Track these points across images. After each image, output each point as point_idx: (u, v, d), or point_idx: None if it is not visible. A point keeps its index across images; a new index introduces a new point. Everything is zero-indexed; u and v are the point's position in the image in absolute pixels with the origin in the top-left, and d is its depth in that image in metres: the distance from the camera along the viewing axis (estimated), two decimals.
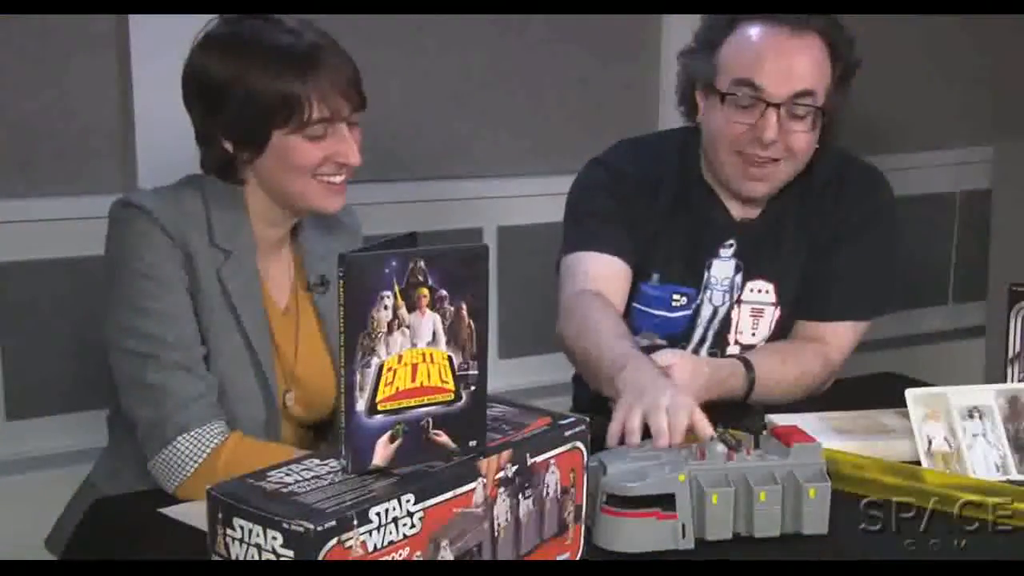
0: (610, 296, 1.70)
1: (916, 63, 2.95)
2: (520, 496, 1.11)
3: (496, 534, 1.09)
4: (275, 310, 1.53)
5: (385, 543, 0.99)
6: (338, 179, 1.47)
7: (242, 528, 0.97)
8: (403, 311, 1.02)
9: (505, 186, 2.55)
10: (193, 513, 1.26)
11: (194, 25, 1.48)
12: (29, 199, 2.12)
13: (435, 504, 1.03)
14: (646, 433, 1.36)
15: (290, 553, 0.95)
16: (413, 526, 1.01)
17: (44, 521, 1.63)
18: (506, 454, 1.09)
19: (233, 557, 0.98)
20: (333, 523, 0.95)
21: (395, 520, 1.00)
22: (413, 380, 1.04)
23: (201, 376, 1.42)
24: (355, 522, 0.97)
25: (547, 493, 1.14)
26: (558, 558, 1.17)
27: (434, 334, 1.04)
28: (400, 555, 1.00)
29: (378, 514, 0.98)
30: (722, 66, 1.67)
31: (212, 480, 1.06)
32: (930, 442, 1.47)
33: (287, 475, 1.03)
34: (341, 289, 1.00)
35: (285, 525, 0.95)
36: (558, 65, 2.57)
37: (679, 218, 1.76)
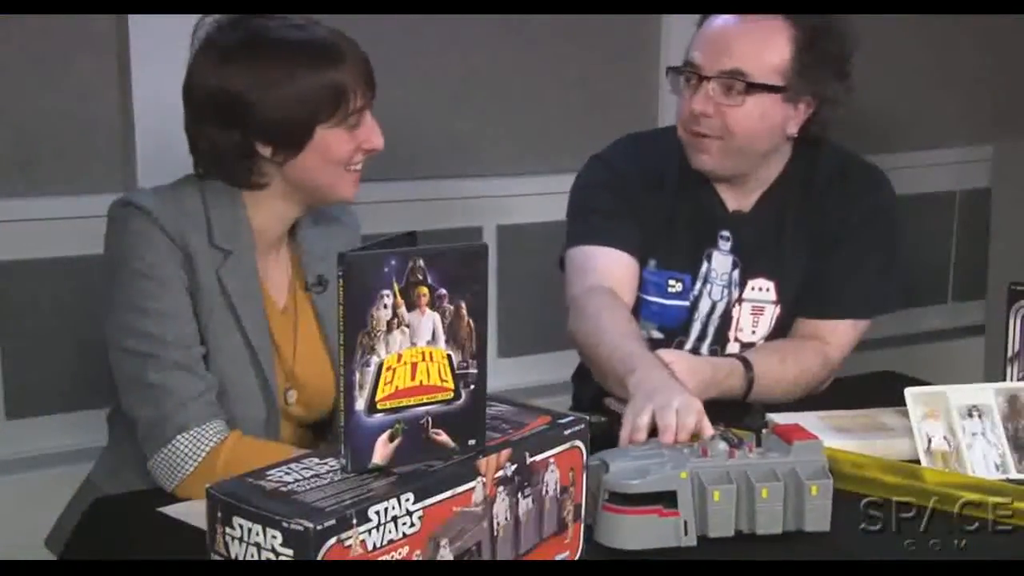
0: (621, 292, 1.71)
1: (916, 62, 2.95)
2: (519, 495, 1.11)
3: (495, 533, 1.09)
4: (274, 310, 1.53)
5: (384, 542, 0.99)
6: (360, 166, 1.49)
7: (241, 527, 0.97)
8: (402, 310, 1.02)
9: (505, 185, 2.55)
10: (192, 512, 1.26)
11: (194, 25, 1.48)
12: (29, 198, 2.12)
13: (434, 503, 1.03)
14: (652, 432, 1.37)
15: (289, 552, 0.95)
16: (412, 525, 1.01)
17: (44, 520, 1.63)
18: (505, 453, 1.09)
19: (232, 556, 0.98)
20: (332, 522, 0.95)
21: (394, 519, 1.00)
22: (412, 379, 1.04)
23: (201, 375, 1.42)
24: (354, 521, 0.97)
25: (546, 492, 1.14)
26: (557, 557, 1.17)
27: (433, 333, 1.04)
28: (399, 554, 1.00)
29: (377, 513, 0.98)
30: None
31: (211, 479, 1.06)
32: (929, 441, 1.47)
33: (286, 474, 1.03)
34: (341, 288, 1.00)
35: (284, 524, 0.95)
36: (557, 65, 2.57)
37: (680, 206, 1.77)
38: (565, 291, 1.76)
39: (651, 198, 1.77)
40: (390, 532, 0.99)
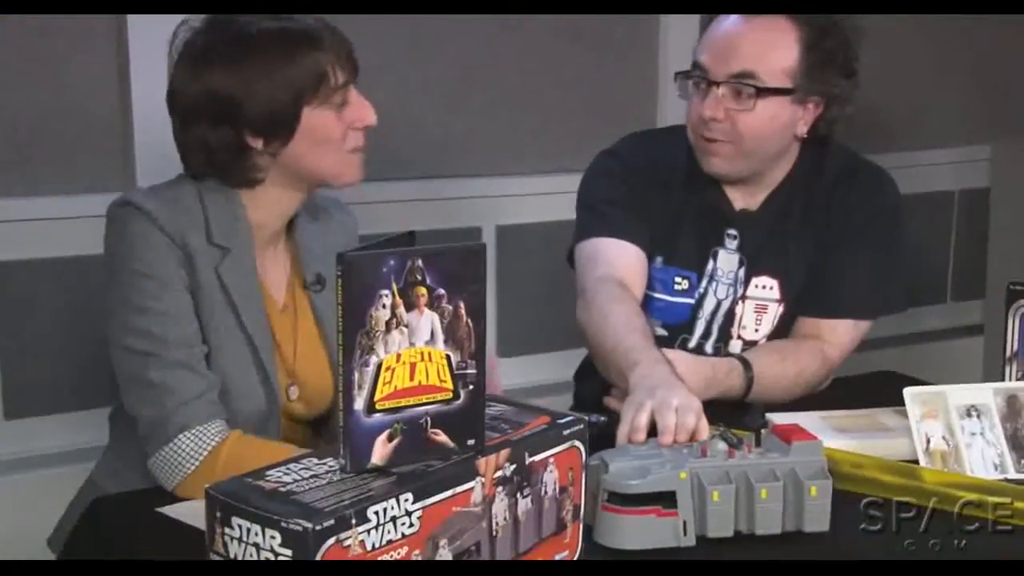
0: (631, 283, 1.71)
1: (915, 63, 2.95)
2: (518, 495, 1.11)
3: (494, 533, 1.09)
4: (273, 307, 1.53)
5: (383, 542, 0.99)
6: (361, 145, 1.49)
7: (240, 527, 0.97)
8: (401, 310, 1.02)
9: (504, 185, 2.55)
10: (191, 512, 1.26)
11: (171, 34, 1.48)
12: (28, 198, 2.12)
13: (433, 503, 1.03)
14: (652, 431, 1.37)
15: (288, 552, 0.95)
16: (411, 525, 1.01)
17: (44, 520, 1.63)
18: (504, 453, 1.09)
19: (231, 556, 0.98)
20: (331, 522, 0.95)
21: (393, 519, 1.00)
22: (411, 379, 1.04)
23: (202, 374, 1.42)
24: (353, 521, 0.97)
25: (545, 492, 1.14)
26: (556, 557, 1.17)
27: (432, 333, 1.04)
28: (398, 554, 1.00)
29: (376, 513, 0.98)
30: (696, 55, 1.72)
31: (212, 479, 1.06)
32: (928, 441, 1.47)
33: (286, 474, 1.03)
34: (339, 288, 1.00)
35: (283, 524, 0.95)
36: (556, 64, 2.57)
37: (687, 204, 1.77)
38: (576, 283, 1.76)
39: (659, 195, 1.77)
40: (389, 532, 0.99)
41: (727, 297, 1.76)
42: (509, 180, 2.56)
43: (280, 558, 0.95)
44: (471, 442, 1.07)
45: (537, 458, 1.12)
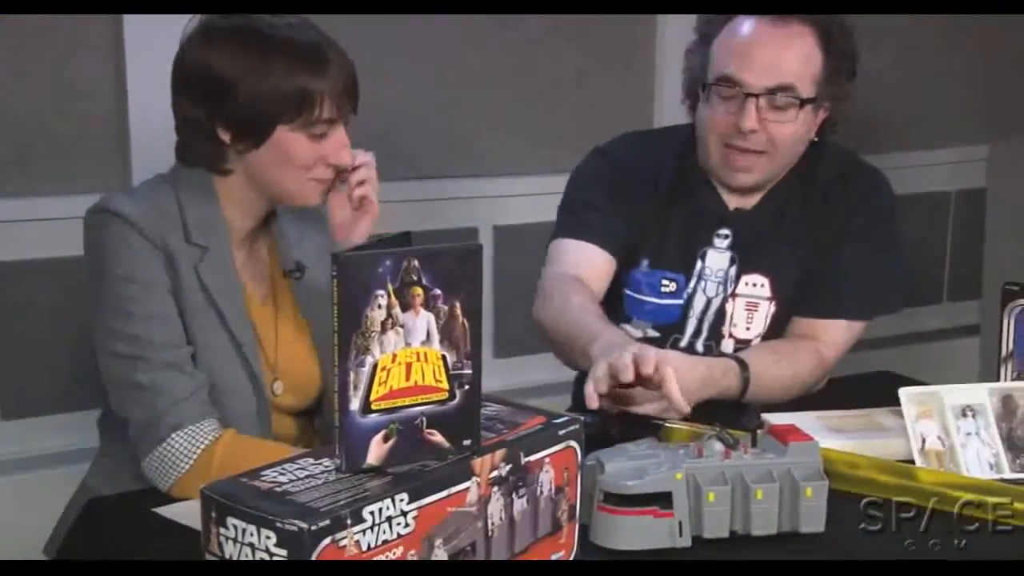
0: (589, 283, 1.73)
1: (911, 63, 2.95)
2: (514, 495, 1.11)
3: (490, 533, 1.09)
4: (254, 302, 1.53)
5: (379, 542, 0.99)
6: (329, 178, 1.48)
7: (236, 527, 0.97)
8: (397, 310, 1.02)
9: (500, 185, 2.55)
10: (187, 513, 1.26)
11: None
12: (24, 198, 2.11)
13: (429, 503, 1.03)
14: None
15: (284, 552, 0.95)
16: (407, 525, 1.01)
17: (39, 521, 1.63)
18: (500, 453, 1.09)
19: (227, 556, 0.98)
20: (327, 522, 0.95)
21: (389, 519, 1.00)
22: (407, 379, 1.04)
23: (191, 374, 1.42)
24: (349, 521, 0.97)
25: (541, 492, 1.14)
26: (552, 557, 1.17)
27: (428, 333, 1.04)
28: (394, 554, 1.00)
29: (372, 513, 0.98)
30: (711, 60, 1.70)
31: (207, 478, 1.06)
32: (924, 441, 1.47)
33: (281, 474, 1.03)
34: (335, 288, 1.00)
35: (279, 524, 0.95)
36: (553, 64, 2.57)
37: (675, 207, 1.77)
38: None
39: (645, 197, 1.77)
40: (384, 532, 0.99)
41: (717, 295, 1.76)
42: (505, 180, 2.55)
43: (275, 558, 0.95)
44: (467, 442, 1.07)
45: (533, 458, 1.12)
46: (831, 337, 1.74)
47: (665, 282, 1.76)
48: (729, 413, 1.55)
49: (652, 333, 1.77)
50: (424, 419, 1.05)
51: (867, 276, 1.76)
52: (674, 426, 1.46)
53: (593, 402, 1.39)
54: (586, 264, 1.74)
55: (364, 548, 0.98)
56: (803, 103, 1.66)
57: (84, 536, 1.36)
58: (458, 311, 1.05)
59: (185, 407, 1.40)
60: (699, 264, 1.76)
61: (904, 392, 1.51)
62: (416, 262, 1.02)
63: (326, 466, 1.04)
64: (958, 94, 3.07)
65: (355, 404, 1.02)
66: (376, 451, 1.03)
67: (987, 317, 2.95)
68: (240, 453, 1.37)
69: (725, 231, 1.76)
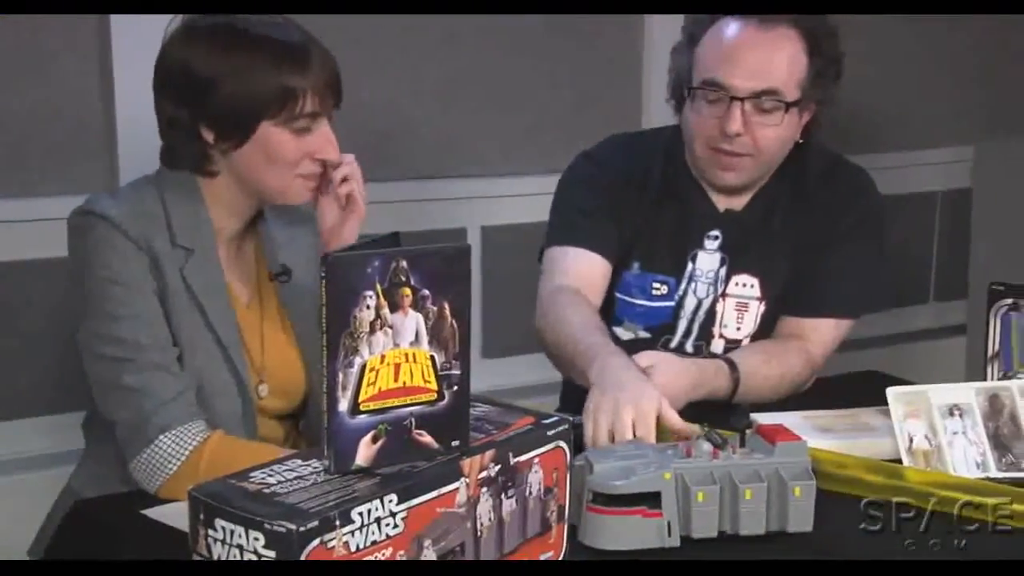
0: (588, 292, 1.72)
1: (898, 64, 2.97)
2: (503, 496, 1.11)
3: (479, 534, 1.09)
4: (239, 304, 1.52)
5: (368, 543, 0.99)
6: (315, 173, 1.48)
7: (224, 529, 0.97)
8: (386, 311, 1.02)
9: (489, 186, 2.55)
10: (174, 514, 1.26)
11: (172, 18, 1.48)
12: (11, 199, 2.10)
13: (418, 504, 1.03)
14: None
15: (272, 554, 0.94)
16: (396, 526, 1.01)
17: (24, 523, 1.62)
18: (489, 454, 1.09)
19: (215, 558, 0.98)
20: (315, 523, 0.95)
21: (378, 520, 0.99)
22: (396, 380, 1.04)
23: (178, 375, 1.42)
24: (337, 522, 0.97)
25: (530, 492, 1.14)
26: (541, 557, 1.17)
27: (416, 334, 1.04)
28: (383, 555, 1.00)
29: (361, 514, 0.98)
30: (697, 62, 1.71)
31: (195, 479, 1.06)
32: (911, 440, 1.48)
33: (269, 475, 1.02)
34: (323, 289, 1.00)
35: (267, 526, 0.94)
36: (542, 66, 2.57)
37: (664, 209, 1.78)
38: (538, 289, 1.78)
39: (635, 200, 1.77)
40: (373, 533, 0.99)
41: (708, 296, 1.76)
42: (494, 181, 2.55)
43: (264, 560, 0.95)
44: (456, 443, 1.07)
45: (522, 459, 1.12)
46: (819, 336, 1.75)
47: (656, 285, 1.76)
48: (718, 413, 1.55)
49: (643, 334, 1.77)
50: (413, 420, 1.05)
51: (854, 275, 1.76)
52: (663, 426, 1.47)
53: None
54: (584, 272, 1.74)
55: (353, 549, 0.98)
56: (788, 106, 1.67)
57: (71, 538, 1.35)
58: (447, 312, 1.05)
59: (172, 408, 1.39)
60: (690, 266, 1.77)
61: (892, 391, 1.51)
62: (405, 263, 1.02)
63: (315, 467, 1.04)
64: (944, 95, 3.08)
65: (344, 405, 1.01)
66: (365, 452, 1.03)
67: (973, 317, 2.96)
68: (228, 454, 1.36)
69: (715, 232, 1.77)
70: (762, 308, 1.76)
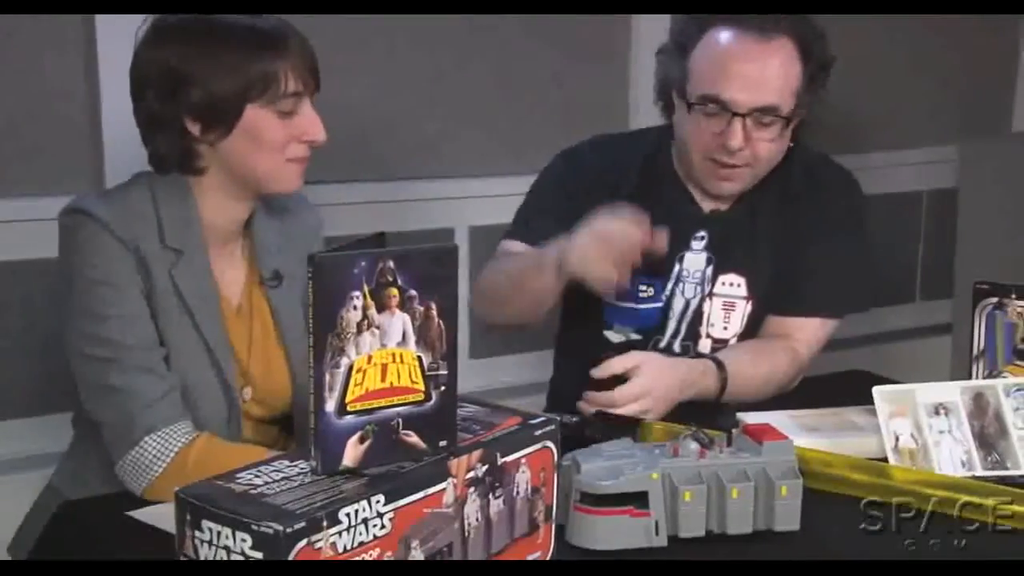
0: None
1: (882, 64, 2.98)
2: (490, 496, 1.11)
3: (466, 534, 1.09)
4: (228, 308, 1.52)
5: (355, 544, 0.99)
6: (304, 156, 1.47)
7: (211, 530, 0.96)
8: (372, 311, 1.02)
9: (476, 186, 2.55)
10: (161, 515, 1.25)
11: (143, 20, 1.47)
12: None
13: (405, 504, 1.02)
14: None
15: (259, 555, 0.94)
16: (383, 527, 1.01)
17: (7, 524, 1.61)
18: (476, 454, 1.09)
19: (202, 559, 0.97)
20: (303, 524, 0.95)
21: (365, 521, 0.99)
22: (383, 380, 1.03)
23: (163, 376, 1.41)
24: (325, 523, 0.96)
25: (517, 493, 1.14)
26: (529, 557, 1.17)
27: (404, 334, 1.04)
28: (370, 556, 1.00)
29: (348, 515, 0.98)
30: (692, 73, 1.69)
31: (181, 480, 1.05)
32: (897, 439, 1.48)
33: (256, 476, 1.02)
34: (310, 289, 0.99)
35: (254, 527, 0.94)
36: (529, 65, 2.57)
37: (646, 212, 1.77)
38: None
39: (606, 197, 1.77)
40: (361, 534, 0.99)
41: (695, 295, 1.77)
42: (481, 181, 2.55)
43: (251, 561, 0.94)
44: (443, 443, 1.07)
45: (509, 459, 1.12)
46: (804, 335, 1.75)
47: (643, 288, 1.76)
48: (705, 413, 1.56)
49: (635, 336, 1.77)
50: (400, 420, 1.05)
51: (838, 273, 1.77)
52: (650, 426, 1.47)
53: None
54: None
55: (340, 550, 0.98)
56: (788, 120, 1.68)
57: (57, 539, 1.35)
58: (434, 312, 1.05)
59: (158, 409, 1.39)
60: (677, 267, 1.77)
61: (878, 390, 1.52)
62: (392, 263, 1.02)
63: (302, 468, 1.04)
64: (929, 94, 3.09)
65: (331, 406, 1.01)
66: (352, 453, 1.03)
67: (959, 316, 2.97)
68: (215, 455, 1.36)
69: (702, 233, 1.77)
70: (749, 308, 1.77)
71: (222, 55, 1.40)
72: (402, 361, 1.04)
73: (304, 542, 0.95)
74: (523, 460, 1.14)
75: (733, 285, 1.77)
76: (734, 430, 1.35)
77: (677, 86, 1.72)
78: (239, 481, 1.01)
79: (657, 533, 1.24)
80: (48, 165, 2.12)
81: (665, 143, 1.80)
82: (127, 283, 1.40)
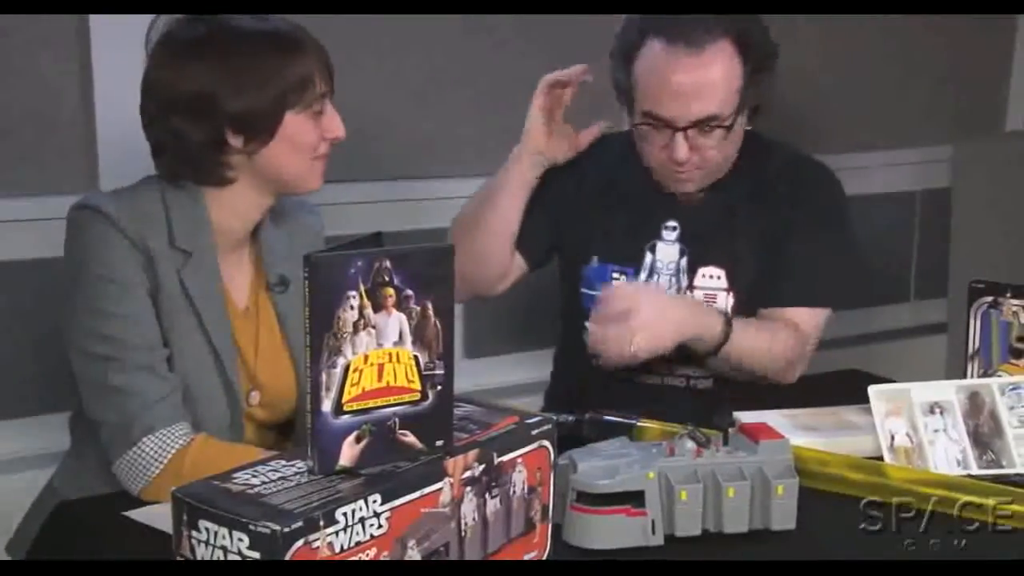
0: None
1: (875, 64, 2.98)
2: (487, 495, 1.11)
3: (463, 534, 1.09)
4: (235, 311, 1.52)
5: (352, 544, 0.99)
6: (325, 154, 1.50)
7: (208, 530, 0.96)
8: (369, 311, 1.02)
9: (471, 186, 2.53)
10: (158, 516, 1.25)
11: (147, 26, 1.46)
12: None
13: (402, 504, 1.02)
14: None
15: (256, 555, 0.94)
16: (380, 526, 1.01)
17: (6, 524, 1.61)
18: (473, 453, 1.09)
19: (199, 559, 0.97)
20: (300, 524, 0.95)
21: (362, 520, 0.99)
22: (379, 380, 1.04)
23: (165, 377, 1.41)
24: (322, 523, 0.96)
25: (514, 492, 1.14)
26: (525, 557, 1.17)
27: (400, 334, 1.04)
28: (367, 555, 1.00)
29: (345, 515, 0.98)
30: (637, 86, 1.71)
31: (178, 481, 1.05)
32: (892, 438, 1.49)
33: (253, 476, 1.02)
34: (306, 289, 0.99)
35: (251, 527, 0.94)
36: (523, 65, 2.56)
37: (617, 200, 1.81)
38: None
39: (590, 198, 1.81)
40: (357, 534, 0.99)
41: (671, 287, 1.78)
42: (477, 181, 2.54)
43: (248, 561, 0.94)
44: (439, 443, 1.07)
45: (505, 458, 1.12)
46: (802, 321, 1.76)
47: (615, 275, 1.78)
48: (701, 412, 1.56)
49: None
50: (397, 420, 1.05)
51: (823, 265, 1.77)
52: (646, 425, 1.47)
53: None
54: None
55: (337, 550, 0.98)
56: (731, 125, 1.68)
57: (54, 539, 1.35)
58: (430, 311, 1.05)
59: (157, 410, 1.39)
60: (649, 256, 1.78)
61: (873, 389, 1.52)
62: (388, 263, 1.02)
63: (298, 468, 1.04)
64: (922, 94, 3.10)
65: (327, 405, 1.01)
66: (349, 452, 1.03)
67: (953, 315, 2.97)
68: (212, 457, 1.36)
69: (672, 223, 1.79)
70: (731, 300, 1.77)
71: (255, 66, 1.41)
72: (398, 361, 1.04)
73: (301, 542, 0.95)
74: (519, 459, 1.14)
75: (713, 278, 1.78)
76: (730, 429, 1.35)
77: (625, 96, 1.75)
78: (236, 481, 1.01)
79: (653, 532, 1.24)
80: (42, 166, 2.12)
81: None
82: (133, 281, 1.40)
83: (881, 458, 1.47)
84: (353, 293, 1.01)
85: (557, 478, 1.19)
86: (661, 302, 1.64)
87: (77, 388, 1.45)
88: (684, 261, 1.78)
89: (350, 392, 1.02)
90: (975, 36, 3.09)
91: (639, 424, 1.48)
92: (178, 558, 0.99)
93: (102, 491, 1.42)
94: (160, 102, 1.44)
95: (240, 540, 0.95)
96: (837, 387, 1.75)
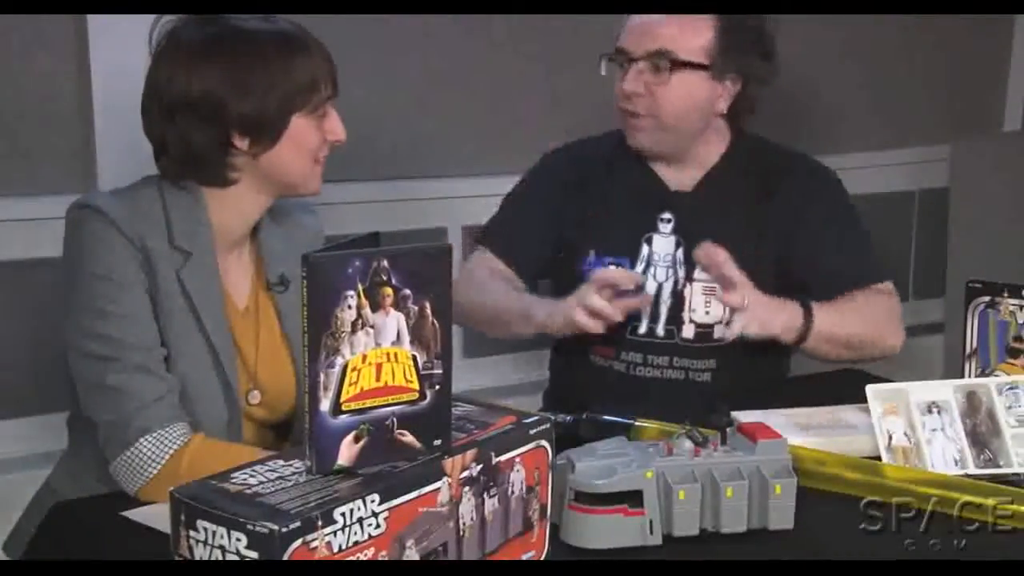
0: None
1: (873, 63, 2.98)
2: (485, 495, 1.11)
3: (461, 533, 1.09)
4: (235, 311, 1.52)
5: (350, 543, 0.99)
6: (325, 157, 1.50)
7: (205, 530, 0.96)
8: (367, 311, 1.02)
9: (469, 186, 2.54)
10: (155, 515, 1.25)
11: (150, 27, 1.46)
12: None
13: (400, 504, 1.02)
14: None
15: (254, 555, 0.94)
16: (378, 526, 1.01)
17: (3, 524, 1.61)
18: (471, 453, 1.09)
19: (196, 559, 0.97)
20: (298, 524, 0.95)
21: (360, 520, 0.99)
22: (377, 380, 1.04)
23: (162, 377, 1.41)
24: (320, 523, 0.96)
25: (512, 492, 1.14)
26: (523, 557, 1.17)
27: (398, 333, 1.04)
28: (365, 555, 1.00)
29: (343, 514, 0.98)
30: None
31: (175, 482, 1.05)
32: (890, 437, 1.49)
33: (251, 476, 1.02)
34: (304, 289, 0.99)
35: (249, 526, 0.94)
36: (521, 65, 2.57)
37: (615, 194, 1.83)
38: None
39: (584, 195, 1.83)
40: (355, 533, 0.99)
41: (668, 279, 1.79)
42: (474, 181, 2.55)
43: (246, 560, 0.94)
44: (437, 442, 1.07)
45: (503, 458, 1.12)
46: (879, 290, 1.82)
47: (611, 268, 1.78)
48: (698, 411, 1.56)
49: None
50: (395, 419, 1.05)
51: (865, 246, 1.84)
52: (644, 425, 1.47)
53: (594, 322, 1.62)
54: (491, 270, 1.87)
55: (335, 550, 0.97)
56: (677, 65, 1.72)
57: (50, 540, 1.35)
58: (428, 311, 1.05)
59: (154, 411, 1.38)
60: (645, 248, 1.80)
61: (871, 389, 1.52)
62: (386, 262, 1.02)
63: (296, 468, 1.04)
64: (920, 94, 3.10)
65: (325, 405, 1.01)
66: (347, 452, 1.03)
67: (951, 315, 2.98)
68: (209, 457, 1.36)
69: (668, 215, 1.80)
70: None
71: (264, 69, 1.41)
72: (396, 360, 1.04)
73: (299, 542, 0.95)
74: (517, 459, 1.14)
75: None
76: (728, 429, 1.35)
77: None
78: (234, 481, 1.01)
79: (651, 532, 1.24)
80: (39, 165, 2.12)
81: None
82: (131, 281, 1.40)
83: (879, 458, 1.47)
84: (351, 293, 1.01)
85: (555, 478, 1.19)
86: (766, 304, 1.67)
87: (75, 388, 1.45)
88: (680, 253, 1.79)
89: (348, 392, 1.02)
90: (973, 36, 3.09)
91: (637, 424, 1.48)
92: (176, 558, 0.99)
93: (100, 491, 1.42)
94: (165, 102, 1.44)
95: (238, 540, 0.94)
96: (835, 386, 1.76)
